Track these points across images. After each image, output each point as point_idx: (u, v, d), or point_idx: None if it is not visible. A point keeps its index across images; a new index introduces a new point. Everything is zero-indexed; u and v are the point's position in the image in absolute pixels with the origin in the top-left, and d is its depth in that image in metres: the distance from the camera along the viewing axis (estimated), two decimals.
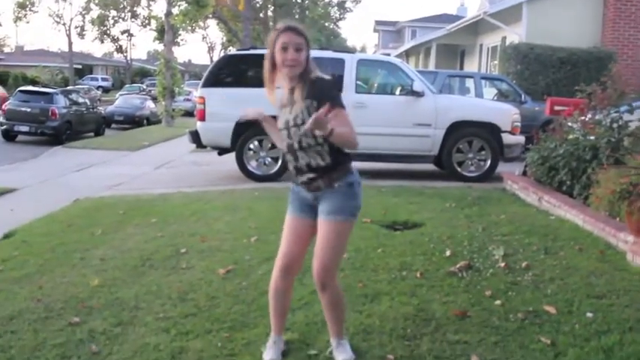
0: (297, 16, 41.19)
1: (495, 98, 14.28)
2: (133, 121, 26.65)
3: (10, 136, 18.95)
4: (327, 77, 3.08)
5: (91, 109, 22.17)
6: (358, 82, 10.26)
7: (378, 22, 52.26)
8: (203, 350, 3.40)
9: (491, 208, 7.13)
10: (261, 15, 39.87)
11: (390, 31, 49.39)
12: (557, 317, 3.80)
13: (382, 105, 9.95)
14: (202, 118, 9.90)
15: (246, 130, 9.64)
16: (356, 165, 3.19)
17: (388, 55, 24.34)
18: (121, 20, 67.99)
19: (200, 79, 11.60)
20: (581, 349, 3.35)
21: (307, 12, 43.07)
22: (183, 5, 25.06)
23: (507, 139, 9.86)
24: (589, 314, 3.82)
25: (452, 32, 22.52)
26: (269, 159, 9.82)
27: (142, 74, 67.52)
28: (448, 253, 5.12)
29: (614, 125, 6.99)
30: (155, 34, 48.41)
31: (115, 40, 68.91)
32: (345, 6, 48.83)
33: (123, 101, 29.01)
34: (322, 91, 2.99)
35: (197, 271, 4.81)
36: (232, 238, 5.80)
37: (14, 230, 6.59)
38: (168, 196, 8.38)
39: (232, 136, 9.74)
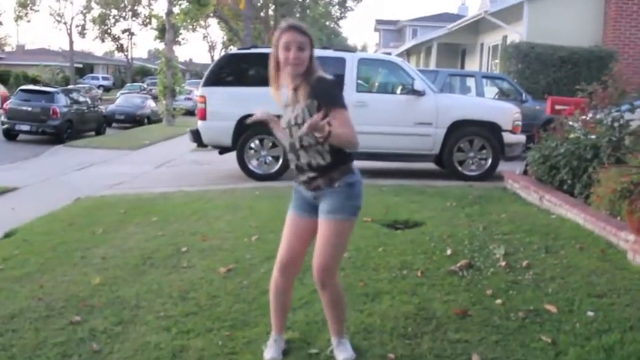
0: (298, 15, 41.16)
1: (496, 97, 14.28)
2: (134, 120, 26.63)
3: (11, 135, 18.94)
4: (330, 77, 3.08)
5: (92, 108, 22.18)
6: (359, 81, 10.25)
7: (378, 21, 52.26)
8: (204, 349, 3.40)
9: (492, 207, 7.13)
10: (262, 14, 39.86)
11: (391, 30, 49.38)
12: (557, 316, 3.80)
13: (383, 104, 9.95)
14: (203, 117, 9.90)
15: (247, 129, 9.64)
16: (357, 164, 3.19)
17: (389, 54, 24.34)
18: (121, 19, 68.04)
19: (201, 78, 11.60)
20: (581, 348, 3.35)
21: (308, 11, 43.04)
22: (184, 4, 25.08)
23: (508, 138, 9.86)
24: (590, 313, 3.82)
25: (453, 31, 22.51)
26: (270, 158, 9.82)
27: (143, 73, 67.53)
28: (449, 252, 5.12)
29: (615, 124, 6.98)
30: (156, 33, 48.29)
31: (115, 39, 68.94)
32: (346, 5, 48.75)
33: (124, 100, 29.00)
34: (323, 91, 2.99)
35: (198, 270, 4.81)
36: (233, 237, 5.80)
37: (15, 229, 6.59)
38: (169, 195, 8.38)
39: (233, 135, 9.74)
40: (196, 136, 10.08)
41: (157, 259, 5.13)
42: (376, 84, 11.40)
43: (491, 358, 3.29)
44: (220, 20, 38.21)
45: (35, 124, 18.56)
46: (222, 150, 10.33)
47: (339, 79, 3.18)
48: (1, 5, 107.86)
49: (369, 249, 5.23)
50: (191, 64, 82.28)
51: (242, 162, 9.83)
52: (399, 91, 10.24)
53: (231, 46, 49.91)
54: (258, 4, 38.11)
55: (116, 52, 72.89)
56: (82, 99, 22.08)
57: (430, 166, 10.57)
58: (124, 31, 68.45)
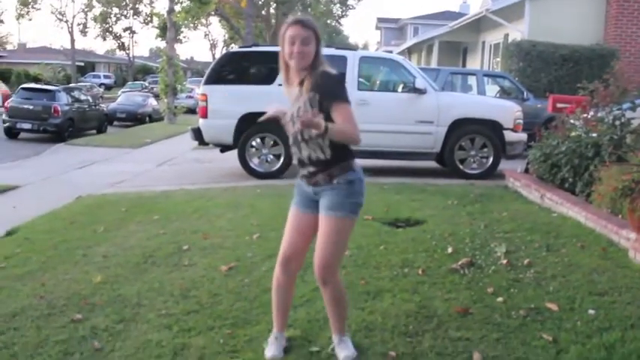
0: (299, 13, 41.14)
1: (498, 95, 14.29)
2: (135, 119, 26.64)
3: (12, 134, 18.96)
4: (335, 72, 3.08)
5: (93, 107, 22.20)
6: (360, 80, 10.26)
7: (380, 20, 52.27)
8: (205, 347, 3.41)
9: (493, 205, 7.13)
10: (263, 12, 39.84)
11: (393, 28, 49.40)
12: (559, 314, 3.80)
13: (384, 102, 9.95)
14: (204, 116, 9.90)
15: (249, 128, 9.65)
16: (358, 162, 3.18)
17: (390, 52, 24.33)
18: (123, 17, 68.03)
19: (202, 77, 11.60)
20: (582, 346, 3.35)
21: (309, 9, 43.01)
22: (186, 2, 25.05)
23: (509, 136, 9.86)
24: (591, 311, 3.82)
25: (454, 29, 22.49)
26: (271, 156, 9.82)
27: (145, 71, 67.55)
28: (450, 250, 5.12)
29: (617, 123, 6.98)
30: (157, 31, 48.27)
31: (117, 37, 68.93)
32: (348, 3, 48.69)
33: (125, 98, 29.00)
34: (326, 84, 2.99)
35: (199, 268, 4.81)
36: (234, 235, 5.81)
37: (17, 227, 6.60)
38: (170, 194, 8.39)
39: (234, 134, 9.74)
40: (198, 134, 10.08)
41: (159, 258, 5.14)
42: (377, 82, 11.40)
43: (492, 356, 3.29)
44: (222, 18, 38.20)
45: (37, 122, 18.57)
46: (224, 148, 10.33)
47: (343, 75, 3.16)
48: (2, 3, 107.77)
49: (371, 247, 5.23)
50: (192, 62, 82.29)
51: (243, 160, 9.83)
52: (400, 90, 10.24)
53: (233, 45, 49.89)
54: (260, 2, 38.10)
55: (117, 50, 72.89)
56: (83, 97, 22.10)
57: (431, 164, 10.56)
58: (125, 30, 68.47)
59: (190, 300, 4.13)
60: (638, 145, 6.57)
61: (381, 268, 4.70)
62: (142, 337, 3.57)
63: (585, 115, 7.56)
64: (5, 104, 19.92)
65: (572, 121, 7.78)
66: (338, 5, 48.80)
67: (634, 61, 16.19)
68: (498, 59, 19.28)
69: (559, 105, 8.94)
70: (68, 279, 4.65)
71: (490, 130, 9.83)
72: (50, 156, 14.74)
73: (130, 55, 70.27)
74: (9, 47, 67.95)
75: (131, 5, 66.43)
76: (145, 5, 66.24)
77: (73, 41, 59.02)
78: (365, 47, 73.38)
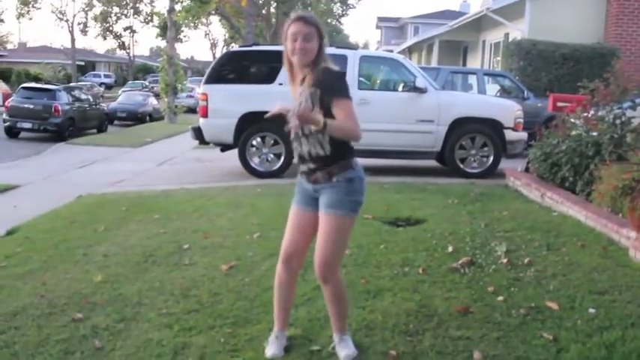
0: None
1: (498, 94, 14.29)
2: (136, 118, 26.63)
3: (13, 133, 18.95)
4: (336, 68, 3.08)
5: (93, 106, 22.18)
6: (361, 79, 10.26)
7: (380, 19, 52.29)
8: (206, 346, 3.41)
9: (493, 204, 7.13)
10: (263, 11, 39.82)
11: (393, 27, 49.41)
12: (559, 313, 3.80)
13: (385, 101, 9.95)
14: (205, 115, 9.90)
15: (249, 127, 9.66)
16: (358, 161, 3.19)
17: (391, 51, 24.34)
18: (123, 17, 68.01)
19: (203, 76, 11.60)
20: (583, 345, 3.35)
21: (310, 8, 42.98)
22: (186, 2, 25.07)
23: (510, 135, 9.86)
24: (591, 310, 3.82)
25: (454, 28, 22.48)
26: (271, 155, 9.82)
27: (145, 71, 67.54)
28: (450, 249, 5.12)
29: (617, 121, 6.98)
30: (158, 30, 48.38)
31: (117, 36, 68.94)
32: (348, 2, 48.68)
33: (125, 98, 28.99)
34: (327, 80, 2.99)
35: (200, 268, 4.82)
36: (235, 234, 5.81)
37: (17, 227, 6.60)
38: (170, 193, 8.39)
39: (235, 133, 9.74)
40: (198, 133, 10.08)
41: (159, 257, 5.14)
42: (378, 81, 11.40)
43: (492, 355, 3.29)
44: (222, 18, 38.19)
45: (37, 121, 18.56)
46: (224, 147, 10.33)
47: (344, 74, 3.15)
48: (3, 3, 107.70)
49: (371, 246, 5.24)
50: (193, 61, 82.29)
51: (244, 159, 9.83)
52: (400, 89, 10.24)
53: (233, 44, 49.88)
54: (260, 2, 38.07)
55: (118, 49, 72.90)
56: (83, 97, 22.09)
57: (432, 163, 10.56)
58: (125, 29, 68.48)
59: (191, 299, 4.13)
60: (639, 144, 6.57)
61: (381, 267, 4.70)
62: (142, 336, 3.58)
63: (586, 114, 7.56)
64: (6, 103, 19.90)
65: (572, 120, 7.78)
66: (338, 4, 48.78)
67: (634, 60, 16.18)
68: (499, 58, 19.28)
69: (559, 104, 8.94)
70: (69, 278, 4.65)
71: (490, 129, 9.82)
72: (51, 155, 14.74)
73: (131, 55, 70.28)
74: (9, 46, 67.98)
75: (131, 4, 66.42)
76: (145, 4, 66.29)
77: (73, 40, 59.01)
78: (365, 46, 73.37)
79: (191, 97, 30.81)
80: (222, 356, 3.31)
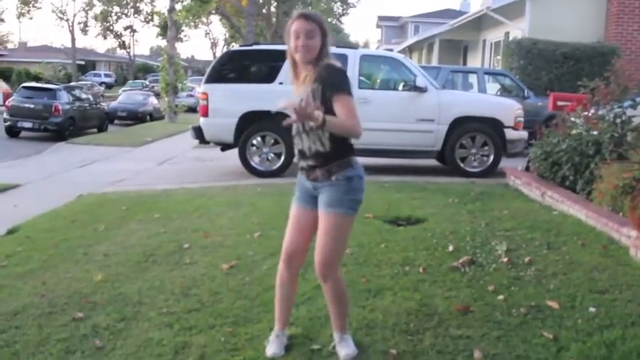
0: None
1: (498, 93, 14.28)
2: (136, 117, 26.63)
3: (13, 133, 18.96)
4: (339, 65, 3.08)
5: (94, 105, 22.18)
6: (361, 78, 10.26)
7: (381, 18, 52.27)
8: (206, 345, 3.41)
9: (494, 203, 7.13)
10: (264, 11, 39.84)
11: (393, 26, 49.41)
12: (559, 312, 3.80)
13: (385, 100, 9.95)
14: (205, 114, 9.90)
15: (249, 126, 9.66)
16: (358, 159, 3.18)
17: (391, 50, 24.32)
18: (123, 16, 68.04)
19: (203, 75, 11.60)
20: (583, 344, 3.35)
21: (310, 7, 43.00)
22: (187, 1, 25.06)
23: (510, 134, 9.85)
24: (592, 309, 3.82)
25: (455, 27, 22.47)
26: (272, 155, 9.81)
27: (145, 70, 67.52)
28: (451, 248, 5.12)
29: (617, 120, 6.97)
30: (158, 30, 48.39)
31: (118, 36, 68.97)
32: (348, 1, 48.71)
33: (126, 97, 28.98)
34: (329, 76, 2.99)
35: (200, 267, 4.82)
36: (235, 233, 5.81)
37: (18, 226, 6.61)
38: (171, 192, 8.39)
39: (235, 132, 9.74)
40: (198, 132, 10.08)
41: (159, 256, 5.14)
42: (378, 80, 11.40)
43: (492, 354, 3.29)
44: (222, 17, 38.20)
45: (37, 121, 18.56)
46: (224, 147, 10.33)
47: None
48: (3, 2, 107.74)
49: (371, 245, 5.24)
50: (193, 60, 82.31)
51: (244, 159, 9.83)
52: (401, 88, 10.23)
53: (234, 43, 49.87)
54: (260, 1, 38.08)
55: (118, 49, 72.91)
56: (84, 96, 22.08)
57: (432, 162, 10.56)
58: (126, 28, 68.51)
59: (191, 298, 4.13)
60: (639, 143, 6.57)
61: (381, 266, 4.70)
62: (143, 335, 3.58)
63: (586, 113, 7.56)
64: (6, 103, 19.90)
65: (572, 119, 7.78)
66: (339, 3, 48.80)
67: (635, 58, 16.17)
68: (499, 57, 19.27)
69: (560, 103, 8.94)
70: (69, 277, 4.66)
71: (491, 128, 9.82)
72: (51, 155, 14.75)
73: (131, 54, 70.30)
74: (10, 46, 68.01)
75: (132, 4, 66.45)
76: (145, 4, 66.35)
77: (73, 40, 59.01)
78: (366, 46, 73.39)
79: (191, 96, 30.80)
80: (222, 355, 3.31)
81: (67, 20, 68.34)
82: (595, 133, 7.04)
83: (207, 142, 10.45)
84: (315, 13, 3.13)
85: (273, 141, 9.71)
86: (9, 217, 7.07)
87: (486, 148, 9.83)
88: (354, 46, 15.74)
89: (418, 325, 3.63)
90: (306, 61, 3.06)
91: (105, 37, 68.62)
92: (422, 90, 9.77)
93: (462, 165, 9.86)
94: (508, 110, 10.05)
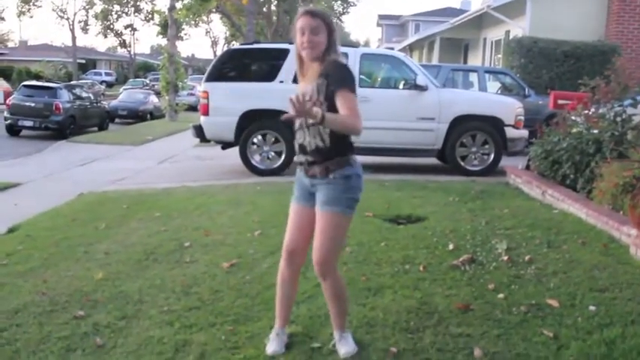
0: (299, 10, 41.05)
1: (499, 92, 14.28)
2: (137, 116, 26.64)
3: (14, 131, 18.96)
4: (345, 62, 3.08)
5: (94, 104, 22.18)
6: (362, 77, 10.26)
7: (381, 16, 52.20)
8: (207, 343, 3.42)
9: (494, 202, 7.13)
10: (264, 9, 39.77)
11: (394, 25, 49.33)
12: (559, 310, 3.80)
13: (386, 99, 9.94)
14: (206, 113, 9.91)
15: (250, 125, 9.66)
16: (359, 159, 3.18)
17: (392, 49, 24.30)
18: (124, 15, 68.11)
19: (203, 74, 11.60)
20: (583, 342, 3.36)
21: (311, 6, 42.97)
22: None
23: (511, 132, 9.85)
24: (592, 307, 3.82)
25: (455, 26, 22.47)
26: (272, 153, 9.82)
27: (146, 69, 67.56)
28: (451, 246, 5.13)
29: (618, 119, 6.97)
30: (158, 28, 48.41)
31: (118, 34, 69.04)
32: (349, 0, 48.68)
33: (126, 96, 28.99)
34: (334, 71, 2.99)
35: (201, 265, 4.82)
36: (236, 232, 5.81)
37: (18, 224, 6.61)
38: (171, 191, 8.40)
39: (236, 131, 9.75)
40: (199, 131, 10.09)
41: (160, 254, 5.14)
42: (379, 79, 11.40)
43: (493, 352, 3.30)
44: (223, 15, 38.17)
45: (38, 119, 18.57)
46: (225, 145, 10.34)
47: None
48: (3, 1, 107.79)
49: (372, 244, 5.24)
50: (193, 59, 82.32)
51: (244, 157, 9.83)
52: (401, 86, 10.24)
53: (234, 42, 49.87)
54: (261, 0, 38.04)
55: (119, 47, 72.97)
56: (84, 95, 22.09)
57: (432, 161, 10.57)
58: (126, 27, 68.61)
59: (192, 297, 4.14)
60: (639, 142, 6.57)
61: (382, 265, 4.70)
62: (143, 333, 3.58)
63: (586, 112, 7.56)
64: (7, 102, 19.90)
65: (573, 117, 7.77)
66: (339, 2, 48.74)
67: (635, 57, 16.16)
68: (500, 56, 19.27)
69: (560, 101, 8.93)
70: (70, 276, 4.66)
71: (491, 126, 9.82)
72: (52, 153, 14.75)
73: (131, 53, 70.34)
74: (10, 44, 68.08)
75: (132, 2, 66.46)
76: (146, 2, 66.55)
77: (74, 38, 59.06)
78: (366, 44, 73.36)
79: (192, 95, 30.80)
80: (223, 353, 3.31)
81: (68, 19, 68.70)
82: (595, 131, 7.04)
83: (208, 141, 10.46)
84: (320, 10, 3.13)
85: (273, 139, 9.71)
86: (10, 216, 7.08)
87: (487, 146, 9.84)
88: (354, 45, 15.73)
89: (418, 323, 3.63)
90: (312, 58, 3.06)
91: (105, 36, 68.80)
92: (422, 88, 9.77)
93: (462, 163, 9.86)
94: (509, 109, 10.05)
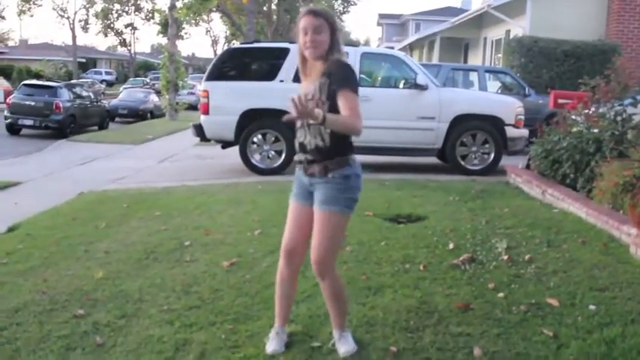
0: (300, 10, 41.06)
1: (499, 91, 14.27)
2: (137, 115, 26.65)
3: (14, 130, 18.98)
4: (349, 62, 3.08)
5: (95, 103, 22.18)
6: (362, 76, 10.26)
7: (381, 16, 52.16)
8: (207, 342, 3.42)
9: (494, 201, 7.13)
10: (264, 8, 39.76)
11: (394, 24, 49.30)
12: (559, 310, 3.81)
13: (386, 98, 9.94)
14: (206, 112, 9.91)
15: (250, 124, 9.66)
16: (359, 158, 3.18)
17: (392, 48, 24.30)
18: (124, 14, 68.08)
19: (204, 73, 11.60)
20: (583, 342, 3.36)
21: (311, 5, 42.96)
22: None
23: (511, 132, 9.86)
24: (592, 307, 3.83)
25: (456, 25, 22.46)
26: (272, 152, 9.82)
27: (146, 68, 67.55)
28: (451, 246, 5.13)
29: (618, 118, 6.97)
30: (159, 27, 48.36)
31: (118, 33, 69.02)
32: None
33: (127, 95, 29.00)
34: (336, 70, 2.99)
35: (201, 264, 4.82)
36: (236, 231, 5.82)
37: (19, 223, 6.61)
38: (172, 190, 8.40)
39: (236, 130, 9.75)
40: (199, 130, 10.09)
41: (160, 253, 5.15)
42: (379, 78, 11.39)
43: (492, 352, 3.30)
44: (223, 15, 38.16)
45: (38, 118, 18.58)
46: (225, 144, 10.34)
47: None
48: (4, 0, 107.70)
49: (372, 243, 5.24)
50: (194, 58, 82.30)
51: (245, 156, 9.84)
52: (401, 86, 10.24)
53: (234, 41, 49.86)
54: None
55: (119, 46, 72.99)
56: (85, 93, 22.09)
57: (433, 160, 10.56)
58: (126, 26, 68.59)
59: (192, 295, 4.14)
60: (639, 141, 6.57)
61: (382, 264, 4.70)
62: (143, 332, 3.58)
63: (587, 111, 7.55)
64: (7, 100, 19.91)
65: (573, 116, 7.77)
66: (339, 1, 48.71)
67: (635, 57, 16.16)
68: (500, 55, 19.27)
69: (560, 101, 8.93)
70: (70, 275, 4.67)
71: (491, 126, 9.82)
72: (52, 152, 14.75)
73: (132, 52, 70.33)
74: (10, 43, 68.07)
75: (132, 1, 66.44)
76: (146, 1, 66.56)
77: (74, 37, 59.06)
78: (366, 43, 73.33)
79: (192, 94, 30.80)
80: (223, 352, 3.31)
81: (68, 18, 68.79)
82: (595, 131, 7.04)
83: (208, 140, 10.45)
84: (322, 9, 3.13)
85: (273, 138, 9.71)
86: (10, 215, 7.08)
87: (487, 145, 9.84)
88: (354, 44, 15.70)
89: (418, 322, 3.63)
90: (315, 57, 3.05)
91: (106, 35, 68.77)
92: (423, 88, 9.77)
93: (462, 163, 9.86)
94: (509, 108, 10.05)
